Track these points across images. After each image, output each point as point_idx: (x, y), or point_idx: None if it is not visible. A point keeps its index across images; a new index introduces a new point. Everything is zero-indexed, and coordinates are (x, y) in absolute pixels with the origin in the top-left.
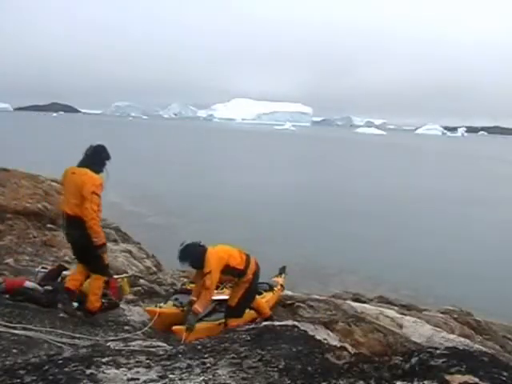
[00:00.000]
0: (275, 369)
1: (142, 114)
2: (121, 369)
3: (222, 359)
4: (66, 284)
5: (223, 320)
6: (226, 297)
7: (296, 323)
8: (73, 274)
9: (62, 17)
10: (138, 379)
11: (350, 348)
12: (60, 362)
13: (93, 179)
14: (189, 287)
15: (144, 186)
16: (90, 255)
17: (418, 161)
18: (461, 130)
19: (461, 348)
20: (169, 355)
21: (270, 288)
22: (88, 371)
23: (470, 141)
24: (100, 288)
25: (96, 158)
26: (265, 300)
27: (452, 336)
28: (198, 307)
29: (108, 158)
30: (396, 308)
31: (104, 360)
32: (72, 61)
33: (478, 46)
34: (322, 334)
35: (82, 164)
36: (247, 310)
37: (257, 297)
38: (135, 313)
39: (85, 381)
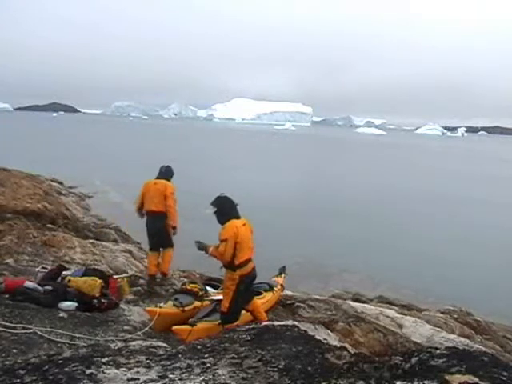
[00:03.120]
0: (275, 369)
1: (142, 113)
2: (121, 369)
3: (222, 359)
4: (148, 272)
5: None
6: None
7: (296, 323)
8: (150, 262)
9: (62, 19)
10: (138, 379)
11: (350, 348)
12: (60, 361)
13: (171, 186)
14: (189, 287)
15: None
16: (164, 236)
17: (418, 161)
18: (461, 130)
19: (461, 348)
20: (169, 355)
21: (270, 288)
22: (88, 371)
23: (470, 141)
24: (171, 256)
25: (168, 174)
26: (265, 300)
27: (452, 336)
28: (210, 247)
29: (173, 174)
30: (396, 308)
31: (104, 360)
32: (72, 61)
33: (478, 46)
34: (321, 334)
35: (160, 177)
36: (243, 312)
37: (255, 300)
38: (135, 313)
39: (85, 381)
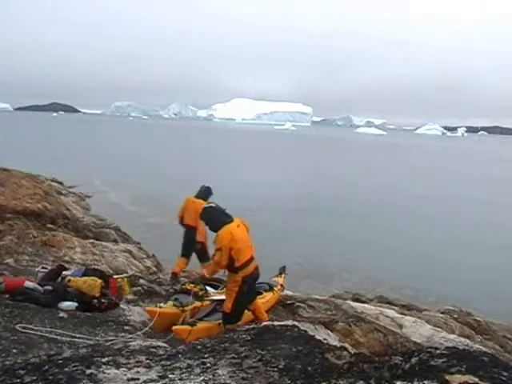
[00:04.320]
0: (275, 369)
1: (142, 113)
2: (121, 369)
3: (222, 359)
4: (173, 270)
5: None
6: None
7: (296, 323)
8: (178, 263)
9: (62, 19)
10: (138, 379)
11: (350, 348)
12: (60, 361)
13: None
14: (189, 287)
15: (144, 186)
16: (194, 248)
17: (418, 161)
18: (461, 130)
19: (461, 348)
20: (169, 355)
21: (270, 288)
22: (88, 371)
23: (470, 141)
24: (208, 268)
25: (206, 195)
26: (265, 300)
27: (452, 336)
28: (205, 273)
29: (211, 194)
30: (396, 308)
31: (104, 360)
32: (72, 61)
33: (478, 46)
34: (321, 334)
35: (198, 196)
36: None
37: (257, 300)
38: (135, 313)
39: (85, 381)
